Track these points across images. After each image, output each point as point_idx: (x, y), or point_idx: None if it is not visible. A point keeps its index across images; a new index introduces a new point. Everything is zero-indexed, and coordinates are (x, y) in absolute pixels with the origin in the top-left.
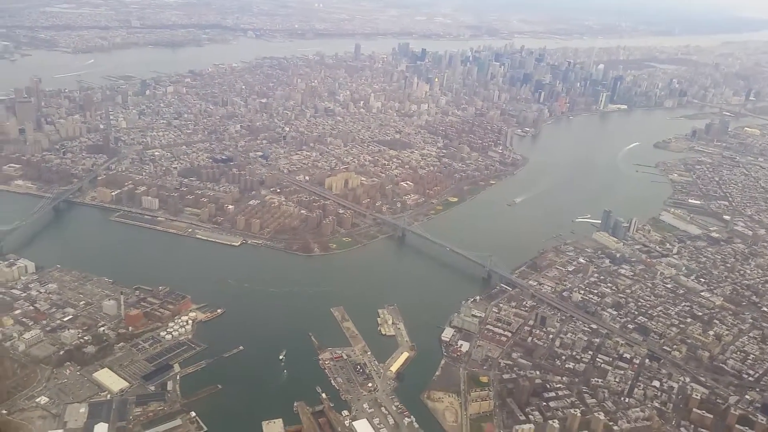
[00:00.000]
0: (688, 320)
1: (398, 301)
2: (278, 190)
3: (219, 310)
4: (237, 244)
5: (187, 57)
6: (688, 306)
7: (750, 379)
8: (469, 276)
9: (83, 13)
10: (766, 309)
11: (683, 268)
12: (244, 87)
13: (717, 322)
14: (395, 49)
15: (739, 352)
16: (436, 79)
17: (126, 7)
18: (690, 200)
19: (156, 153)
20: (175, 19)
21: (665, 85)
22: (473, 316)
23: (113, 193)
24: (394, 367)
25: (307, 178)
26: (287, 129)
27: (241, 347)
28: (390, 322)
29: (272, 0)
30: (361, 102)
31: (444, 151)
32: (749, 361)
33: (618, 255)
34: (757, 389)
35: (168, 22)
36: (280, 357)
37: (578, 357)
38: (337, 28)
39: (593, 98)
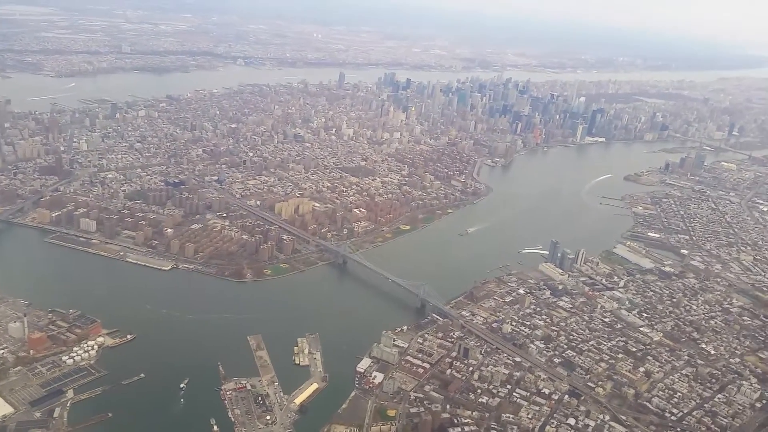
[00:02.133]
0: (620, 356)
1: (323, 330)
2: (224, 215)
3: (129, 336)
4: (167, 269)
5: (170, 82)
6: (622, 341)
7: (672, 418)
8: (403, 305)
9: (77, 39)
10: (704, 346)
11: (626, 302)
12: (218, 112)
13: (650, 358)
14: (381, 79)
15: (666, 390)
16: (413, 108)
17: (122, 34)
18: (649, 233)
19: (109, 175)
20: (167, 46)
21: (648, 119)
22: (395, 346)
23: (53, 215)
24: (299, 399)
25: (258, 203)
26: (251, 154)
27: (142, 375)
28: (306, 351)
29: (271, 30)
30: (333, 129)
31: (407, 179)
32: (675, 399)
33: (560, 287)
34: (678, 429)
35: (160, 48)
36: (181, 386)
37: (495, 391)
38: (330, 57)
39: (571, 131)
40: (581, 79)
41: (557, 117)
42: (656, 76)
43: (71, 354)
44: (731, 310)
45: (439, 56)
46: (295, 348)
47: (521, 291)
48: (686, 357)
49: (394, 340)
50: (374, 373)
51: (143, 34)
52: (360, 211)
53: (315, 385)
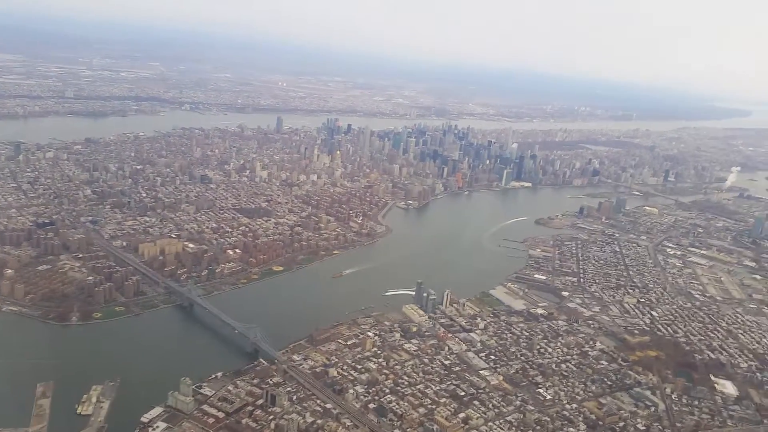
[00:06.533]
0: (443, 400)
1: (130, 377)
2: (80, 256)
3: None
4: None
5: (102, 127)
6: (454, 385)
7: None
8: (237, 349)
9: (23, 84)
10: (542, 391)
11: (477, 344)
12: (133, 154)
13: (476, 403)
14: (324, 124)
15: None
16: (338, 152)
17: (76, 80)
18: (536, 275)
19: None
20: (116, 92)
21: (583, 165)
22: (199, 393)
23: None
24: None
25: (124, 243)
26: (144, 195)
27: None
28: (95, 400)
29: (237, 78)
30: (248, 171)
31: (303, 219)
32: None
33: (414, 329)
34: None
35: (105, 94)
36: None
37: None
38: (283, 104)
39: (498, 175)
40: (535, 128)
41: (488, 162)
42: (613, 126)
43: None
44: (590, 353)
45: (398, 104)
46: (84, 396)
47: (370, 333)
48: (519, 402)
49: (200, 387)
50: (158, 424)
51: (98, 80)
52: (234, 252)
53: None
